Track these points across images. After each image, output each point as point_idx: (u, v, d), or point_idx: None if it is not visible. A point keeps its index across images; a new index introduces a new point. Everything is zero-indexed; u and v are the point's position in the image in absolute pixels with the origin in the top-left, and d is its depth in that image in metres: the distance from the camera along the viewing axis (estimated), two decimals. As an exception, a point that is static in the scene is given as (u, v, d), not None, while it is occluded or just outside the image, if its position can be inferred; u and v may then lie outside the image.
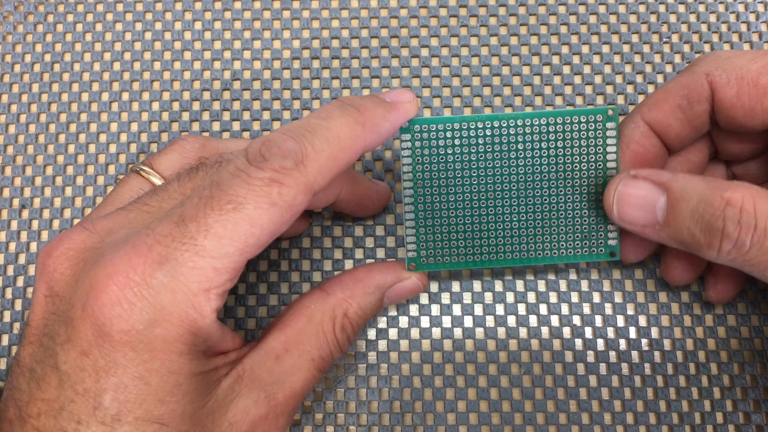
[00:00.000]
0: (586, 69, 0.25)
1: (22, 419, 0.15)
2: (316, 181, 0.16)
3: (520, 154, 0.20)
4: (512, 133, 0.20)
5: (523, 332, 0.23)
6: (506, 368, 0.22)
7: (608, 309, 0.23)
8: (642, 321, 0.23)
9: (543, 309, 0.23)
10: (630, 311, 0.23)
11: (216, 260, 0.15)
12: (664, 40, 0.25)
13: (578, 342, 0.23)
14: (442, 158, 0.20)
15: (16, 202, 0.24)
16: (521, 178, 0.20)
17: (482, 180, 0.20)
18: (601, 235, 0.21)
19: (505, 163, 0.20)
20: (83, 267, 0.16)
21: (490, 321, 0.23)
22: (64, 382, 0.15)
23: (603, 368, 0.22)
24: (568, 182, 0.20)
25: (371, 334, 0.23)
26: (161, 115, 0.25)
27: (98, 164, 0.25)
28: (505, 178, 0.20)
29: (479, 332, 0.23)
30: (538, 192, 0.20)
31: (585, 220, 0.21)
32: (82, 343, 0.15)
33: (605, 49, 0.25)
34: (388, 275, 0.20)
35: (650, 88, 0.24)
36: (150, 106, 0.25)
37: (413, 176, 0.20)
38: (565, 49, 0.25)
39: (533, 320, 0.23)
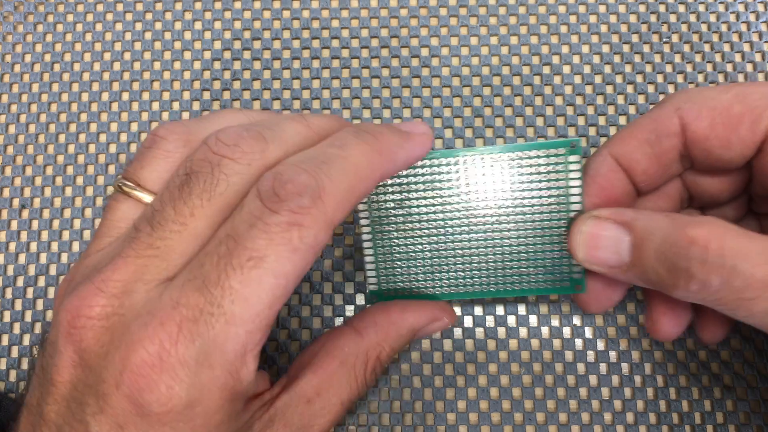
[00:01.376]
0: (586, 69, 0.25)
1: None
2: (335, 216, 0.15)
3: (482, 188, 0.20)
4: (470, 168, 0.20)
5: (523, 332, 0.23)
6: (506, 368, 0.22)
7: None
8: (642, 320, 0.23)
9: (543, 309, 0.23)
10: (630, 310, 0.23)
11: (248, 323, 0.14)
12: (664, 40, 0.25)
13: (578, 342, 0.23)
14: (397, 196, 0.20)
15: (16, 202, 0.24)
16: (483, 213, 0.20)
17: (442, 214, 0.20)
18: (565, 268, 0.20)
19: (463, 198, 0.20)
20: (110, 340, 0.15)
21: (490, 321, 0.23)
22: None
23: (603, 368, 0.22)
24: (530, 216, 0.20)
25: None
26: (161, 115, 0.25)
27: (98, 164, 0.25)
28: (466, 212, 0.20)
29: (479, 332, 0.23)
30: (500, 227, 0.20)
31: (548, 254, 0.20)
32: (117, 417, 0.14)
33: (605, 49, 0.25)
34: (422, 317, 0.20)
35: (650, 88, 0.24)
36: (150, 106, 0.25)
37: (369, 213, 0.20)
38: (565, 49, 0.25)
39: (533, 320, 0.23)
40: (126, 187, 0.17)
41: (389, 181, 0.20)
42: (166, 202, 0.16)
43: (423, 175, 0.20)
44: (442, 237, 0.20)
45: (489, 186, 0.20)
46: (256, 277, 0.14)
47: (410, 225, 0.20)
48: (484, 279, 0.20)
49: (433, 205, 0.20)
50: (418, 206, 0.20)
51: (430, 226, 0.20)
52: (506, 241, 0.20)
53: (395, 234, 0.20)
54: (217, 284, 0.14)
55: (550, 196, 0.20)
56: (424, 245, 0.20)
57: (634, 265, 0.17)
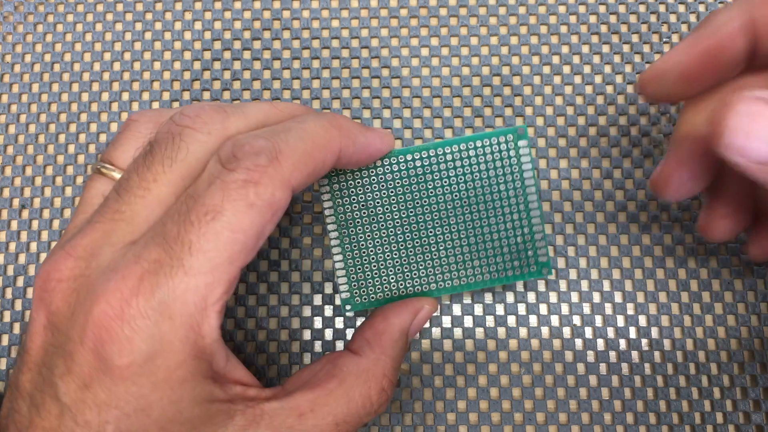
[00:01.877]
0: (586, 69, 0.25)
1: None
2: (293, 176, 0.16)
3: (437, 183, 0.20)
4: (426, 164, 0.20)
5: (523, 332, 0.23)
6: (506, 368, 0.22)
7: (608, 309, 0.23)
8: (642, 321, 0.23)
9: (543, 309, 0.23)
10: (630, 311, 0.23)
11: (206, 275, 0.15)
12: (664, 40, 0.25)
13: (578, 342, 0.23)
14: (361, 197, 0.20)
15: (16, 202, 0.24)
16: (442, 206, 0.20)
17: (404, 213, 0.20)
18: (530, 253, 0.21)
19: (424, 194, 0.20)
20: (76, 299, 0.15)
21: (490, 321, 0.23)
22: (65, 413, 0.15)
23: (603, 368, 0.22)
24: (490, 204, 0.20)
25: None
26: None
27: (98, 164, 0.25)
28: (427, 209, 0.20)
29: (479, 332, 0.23)
30: (461, 218, 0.20)
31: (512, 240, 0.21)
32: (83, 376, 0.15)
33: (605, 49, 0.25)
34: (405, 316, 0.20)
35: (650, 88, 0.24)
36: (150, 106, 0.25)
37: (336, 218, 0.20)
38: (565, 49, 0.25)
39: (533, 320, 0.23)
40: (103, 168, 0.18)
41: (352, 182, 0.20)
42: (131, 170, 0.17)
43: (383, 174, 0.20)
44: (408, 235, 0.21)
45: (447, 179, 0.20)
46: (214, 231, 0.15)
47: (376, 226, 0.20)
48: (455, 273, 0.21)
49: (396, 203, 0.20)
50: (382, 205, 0.20)
51: (396, 225, 0.20)
52: (471, 231, 0.21)
53: (362, 237, 0.21)
54: (177, 239, 0.15)
55: (505, 182, 0.20)
56: (392, 245, 0.21)
57: None
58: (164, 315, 0.15)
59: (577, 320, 0.23)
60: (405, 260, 0.21)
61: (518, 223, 0.20)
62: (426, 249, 0.21)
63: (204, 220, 0.15)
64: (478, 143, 0.20)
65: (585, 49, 0.25)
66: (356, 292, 0.21)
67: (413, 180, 0.20)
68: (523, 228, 0.20)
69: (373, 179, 0.20)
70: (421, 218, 0.20)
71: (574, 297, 0.23)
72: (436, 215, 0.20)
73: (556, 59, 0.25)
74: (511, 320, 0.23)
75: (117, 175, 0.18)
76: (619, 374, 0.22)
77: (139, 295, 0.15)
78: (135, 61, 0.26)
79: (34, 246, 0.24)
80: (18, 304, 0.23)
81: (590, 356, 0.22)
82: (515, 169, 0.20)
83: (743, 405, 0.22)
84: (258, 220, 0.15)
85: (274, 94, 0.25)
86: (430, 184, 0.20)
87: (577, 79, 0.25)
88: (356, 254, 0.21)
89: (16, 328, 0.23)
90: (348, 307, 0.21)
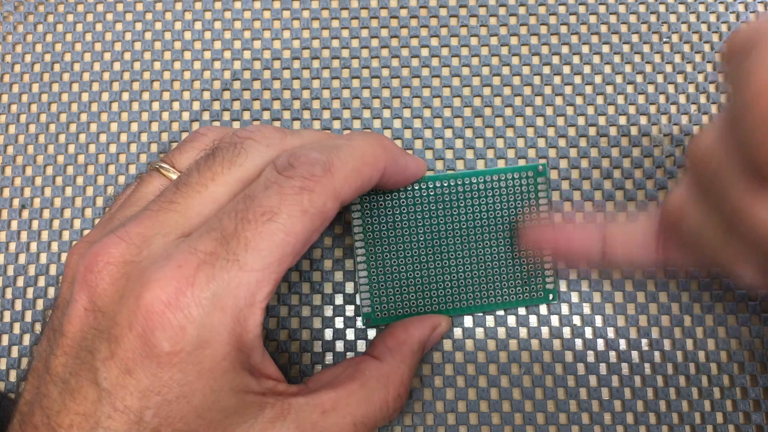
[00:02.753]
0: (586, 69, 0.25)
1: (51, 428, 0.15)
2: (343, 189, 0.17)
3: (461, 210, 0.22)
4: (453, 191, 0.22)
5: (523, 332, 0.23)
6: (506, 368, 0.22)
7: (608, 309, 0.23)
8: (642, 321, 0.23)
9: (543, 309, 0.23)
10: (630, 311, 0.23)
11: (258, 273, 0.15)
12: (664, 40, 0.25)
13: (578, 342, 0.23)
14: (389, 218, 0.22)
15: (16, 202, 0.24)
16: (464, 232, 0.22)
17: (428, 236, 0.22)
18: (539, 281, 0.22)
19: (448, 219, 0.22)
20: (126, 283, 0.16)
21: (490, 321, 0.23)
22: (103, 399, 0.15)
23: (603, 368, 0.22)
24: (507, 233, 0.22)
25: (371, 334, 0.23)
26: (161, 115, 0.25)
27: (98, 164, 0.25)
28: (450, 233, 0.22)
29: (479, 332, 0.23)
30: (480, 245, 0.22)
31: (524, 268, 0.22)
32: (127, 361, 0.15)
33: (605, 49, 0.25)
34: (425, 329, 0.21)
35: (650, 88, 0.24)
36: (150, 106, 0.25)
37: (364, 235, 0.22)
38: (565, 49, 0.25)
39: (533, 320, 0.23)
40: (162, 168, 0.19)
41: (382, 202, 0.22)
42: (192, 169, 0.18)
43: (412, 197, 0.22)
44: (430, 256, 0.22)
45: (470, 207, 0.22)
46: (269, 231, 0.15)
47: (401, 246, 0.22)
48: (470, 294, 0.22)
49: (422, 226, 0.22)
50: (408, 227, 0.22)
51: (420, 246, 0.22)
52: (488, 257, 0.22)
53: (387, 256, 0.22)
54: (234, 235, 0.15)
55: (523, 214, 0.22)
56: (415, 265, 0.22)
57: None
58: (217, 306, 0.15)
59: (577, 320, 0.23)
60: (426, 280, 0.22)
61: (531, 253, 0.22)
62: (446, 270, 0.22)
63: (261, 219, 0.15)
64: (502, 176, 0.22)
65: (585, 49, 0.25)
66: (377, 307, 0.22)
67: (440, 205, 0.22)
68: (534, 257, 0.22)
69: (402, 201, 0.22)
70: (444, 242, 0.22)
71: (575, 297, 0.23)
72: (457, 240, 0.22)
73: (556, 59, 0.25)
74: (512, 321, 0.23)
75: (174, 177, 0.19)
76: (619, 374, 0.22)
77: (194, 284, 0.15)
78: (135, 61, 0.26)
79: (34, 246, 0.24)
80: (18, 304, 0.23)
81: (590, 356, 0.22)
82: (532, 203, 0.22)
83: (743, 405, 0.22)
84: (309, 226, 0.16)
85: (274, 94, 0.25)
86: (455, 211, 0.22)
87: (577, 79, 0.25)
88: (380, 271, 0.22)
89: (16, 328, 0.23)
90: (368, 321, 0.22)
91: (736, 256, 0.17)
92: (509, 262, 0.22)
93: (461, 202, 0.22)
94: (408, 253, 0.22)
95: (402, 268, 0.22)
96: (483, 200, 0.22)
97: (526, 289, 0.22)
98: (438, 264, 0.22)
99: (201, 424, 0.15)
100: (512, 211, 0.22)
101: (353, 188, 0.17)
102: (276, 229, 0.15)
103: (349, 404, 0.18)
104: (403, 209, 0.22)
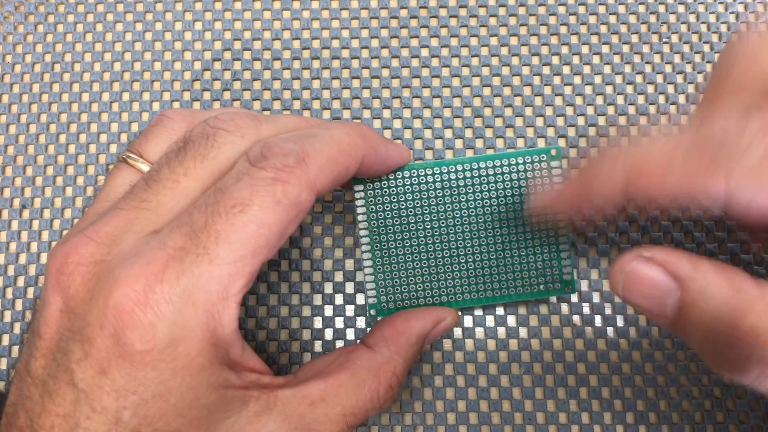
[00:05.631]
0: (586, 69, 0.25)
1: (33, 429, 0.15)
2: (318, 179, 0.16)
3: (470, 197, 0.21)
4: (460, 177, 0.21)
5: (523, 332, 0.23)
6: (506, 368, 0.22)
7: (608, 309, 0.23)
8: (642, 320, 0.23)
9: (543, 309, 0.23)
10: (630, 311, 0.23)
11: (230, 266, 0.15)
12: (664, 40, 0.25)
13: (578, 342, 0.23)
14: (395, 206, 0.21)
15: (16, 202, 0.24)
16: (473, 220, 0.21)
17: (436, 224, 0.21)
18: (555, 270, 0.21)
19: (456, 206, 0.21)
20: (96, 283, 0.15)
21: (490, 321, 0.23)
22: (81, 399, 0.15)
23: (603, 368, 0.22)
24: (520, 221, 0.21)
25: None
26: (162, 116, 0.25)
27: (99, 164, 0.25)
28: (458, 221, 0.21)
29: (479, 332, 0.23)
30: (491, 233, 0.21)
31: (539, 257, 0.21)
32: (101, 361, 0.15)
33: (605, 49, 0.25)
34: (426, 322, 0.20)
35: (650, 88, 0.24)
36: (150, 106, 0.25)
37: (368, 225, 0.21)
38: (565, 49, 0.25)
39: (533, 320, 0.23)
40: (129, 159, 0.19)
41: (386, 190, 0.21)
42: (162, 163, 0.17)
43: (417, 184, 0.21)
44: (438, 245, 0.21)
45: (480, 193, 0.21)
46: (240, 223, 0.15)
47: (407, 234, 0.21)
48: (480, 286, 0.21)
49: (429, 213, 0.21)
50: (414, 215, 0.21)
51: (427, 235, 0.21)
52: (499, 246, 0.21)
53: (393, 244, 0.21)
54: (204, 229, 0.15)
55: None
56: (422, 254, 0.21)
57: (676, 326, 0.15)
58: (188, 302, 0.15)
59: (577, 320, 0.23)
60: (434, 270, 0.21)
61: (546, 240, 0.21)
62: (455, 260, 0.21)
63: (232, 212, 0.15)
64: (512, 160, 0.21)
65: (585, 49, 0.25)
66: (383, 298, 0.21)
67: (446, 192, 0.21)
68: (550, 246, 0.21)
69: (407, 189, 0.21)
70: (452, 230, 0.21)
71: (574, 297, 0.23)
72: (466, 228, 0.21)
73: (555, 60, 0.25)
74: (511, 320, 0.23)
75: (144, 167, 0.18)
76: (619, 374, 0.22)
77: (163, 281, 0.15)
78: (135, 61, 0.26)
79: (34, 246, 0.24)
80: (18, 304, 0.23)
81: (590, 356, 0.22)
82: (545, 181, 0.20)
83: (743, 404, 0.22)
84: (283, 217, 0.15)
85: (274, 95, 0.25)
86: (462, 197, 0.21)
87: (577, 80, 0.25)
88: (386, 261, 0.21)
89: (17, 328, 0.23)
90: (373, 311, 0.21)
91: None
92: (522, 251, 0.21)
93: (469, 188, 0.21)
94: (415, 242, 0.21)
95: (409, 258, 0.21)
96: (492, 186, 0.21)
97: (541, 279, 0.21)
98: (447, 253, 0.21)
99: (182, 422, 0.15)
100: (524, 198, 0.20)
101: (329, 178, 0.17)
102: (247, 220, 0.15)
103: (338, 395, 0.18)
104: (408, 196, 0.21)
